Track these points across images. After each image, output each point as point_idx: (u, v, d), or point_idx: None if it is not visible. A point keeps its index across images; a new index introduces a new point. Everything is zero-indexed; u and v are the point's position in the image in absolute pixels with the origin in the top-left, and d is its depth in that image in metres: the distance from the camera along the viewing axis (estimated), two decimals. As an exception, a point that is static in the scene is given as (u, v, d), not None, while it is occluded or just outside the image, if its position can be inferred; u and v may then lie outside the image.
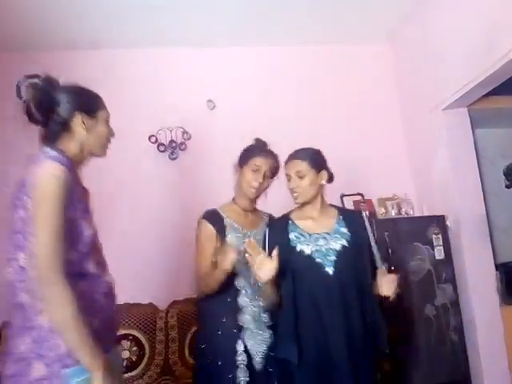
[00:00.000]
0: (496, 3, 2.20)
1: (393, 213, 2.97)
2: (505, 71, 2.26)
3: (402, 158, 3.24)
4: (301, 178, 1.70)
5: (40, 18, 2.71)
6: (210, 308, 1.78)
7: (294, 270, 1.64)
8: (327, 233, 1.71)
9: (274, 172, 1.86)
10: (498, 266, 2.79)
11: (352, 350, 1.58)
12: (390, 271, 1.69)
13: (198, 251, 1.79)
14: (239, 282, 1.75)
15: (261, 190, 1.84)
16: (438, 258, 2.63)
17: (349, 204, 2.98)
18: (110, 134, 1.46)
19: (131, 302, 2.66)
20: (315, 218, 1.75)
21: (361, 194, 3.06)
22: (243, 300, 1.74)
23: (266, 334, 1.75)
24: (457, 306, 2.60)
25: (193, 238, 1.85)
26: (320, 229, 1.72)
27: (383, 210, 2.99)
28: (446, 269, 2.63)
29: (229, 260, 1.58)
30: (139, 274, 2.79)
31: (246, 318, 1.73)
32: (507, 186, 2.51)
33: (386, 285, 1.62)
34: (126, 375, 2.47)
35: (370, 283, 1.67)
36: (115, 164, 2.49)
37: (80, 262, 1.27)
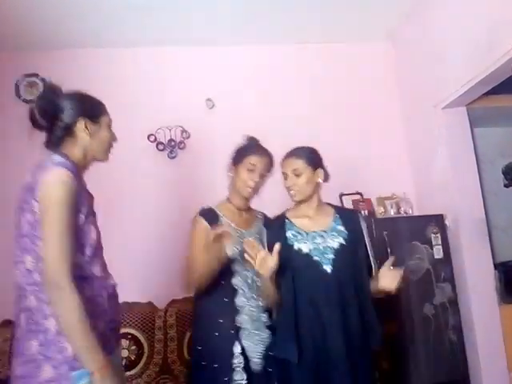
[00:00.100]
0: (496, 3, 2.20)
1: (392, 212, 2.98)
2: (504, 70, 2.25)
3: (401, 157, 3.24)
4: (297, 176, 1.70)
5: (40, 18, 2.71)
6: (206, 308, 1.75)
7: (292, 268, 1.64)
8: (324, 231, 1.70)
9: (268, 170, 1.85)
10: (496, 266, 2.79)
11: (350, 349, 1.57)
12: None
13: (192, 246, 1.75)
14: (236, 282, 1.73)
15: (257, 189, 1.83)
16: (436, 257, 2.63)
17: (348, 203, 2.99)
18: (113, 138, 1.49)
19: (130, 301, 2.67)
20: (311, 217, 1.74)
21: (360, 194, 3.07)
22: (240, 300, 1.72)
23: (264, 335, 1.73)
24: (455, 306, 2.60)
25: (191, 237, 1.85)
26: (317, 227, 1.71)
27: (382, 209, 3.00)
28: (445, 268, 2.63)
29: (227, 245, 1.57)
30: (138, 273, 2.80)
31: (243, 318, 1.70)
32: (506, 185, 2.50)
33: (390, 278, 1.61)
34: (125, 374, 2.47)
35: (367, 281, 1.66)
36: (114, 163, 2.47)
37: (87, 265, 1.29)
